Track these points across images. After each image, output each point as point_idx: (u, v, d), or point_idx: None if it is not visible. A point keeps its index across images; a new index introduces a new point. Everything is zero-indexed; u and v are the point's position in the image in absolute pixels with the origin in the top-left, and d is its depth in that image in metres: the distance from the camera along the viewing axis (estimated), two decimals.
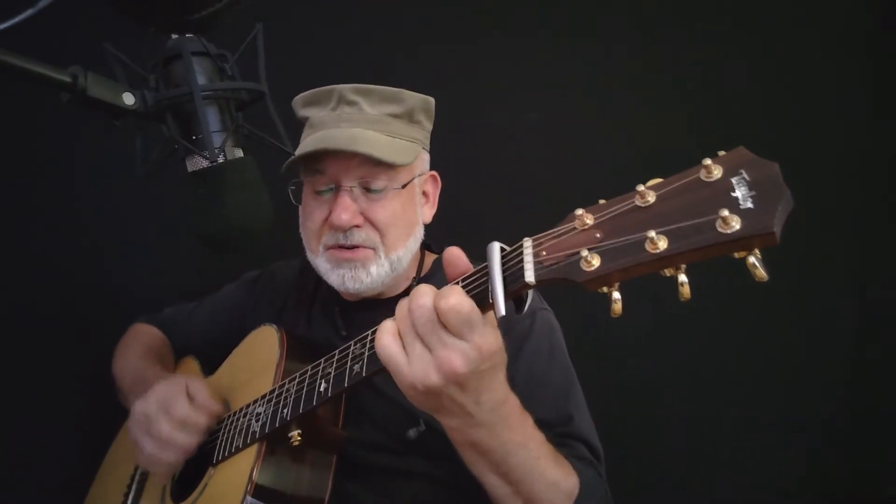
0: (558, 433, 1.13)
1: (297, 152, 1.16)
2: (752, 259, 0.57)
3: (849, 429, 1.86)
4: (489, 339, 0.74)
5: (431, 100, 1.29)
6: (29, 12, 0.65)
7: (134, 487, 1.38)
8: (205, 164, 0.82)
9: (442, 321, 0.73)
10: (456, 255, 0.81)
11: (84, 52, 0.82)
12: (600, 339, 1.86)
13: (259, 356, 1.26)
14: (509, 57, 1.92)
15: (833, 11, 1.81)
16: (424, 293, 0.75)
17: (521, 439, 0.88)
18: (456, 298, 0.72)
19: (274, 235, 0.92)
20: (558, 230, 0.69)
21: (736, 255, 0.58)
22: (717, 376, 1.88)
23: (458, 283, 0.78)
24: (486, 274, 0.73)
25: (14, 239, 1.83)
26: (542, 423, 0.95)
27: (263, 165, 0.92)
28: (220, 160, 0.82)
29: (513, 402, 0.86)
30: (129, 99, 0.77)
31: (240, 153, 0.85)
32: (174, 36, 0.82)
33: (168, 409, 1.15)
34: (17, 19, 0.65)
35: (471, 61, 1.92)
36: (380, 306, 1.27)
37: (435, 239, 1.39)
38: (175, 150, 0.83)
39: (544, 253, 0.69)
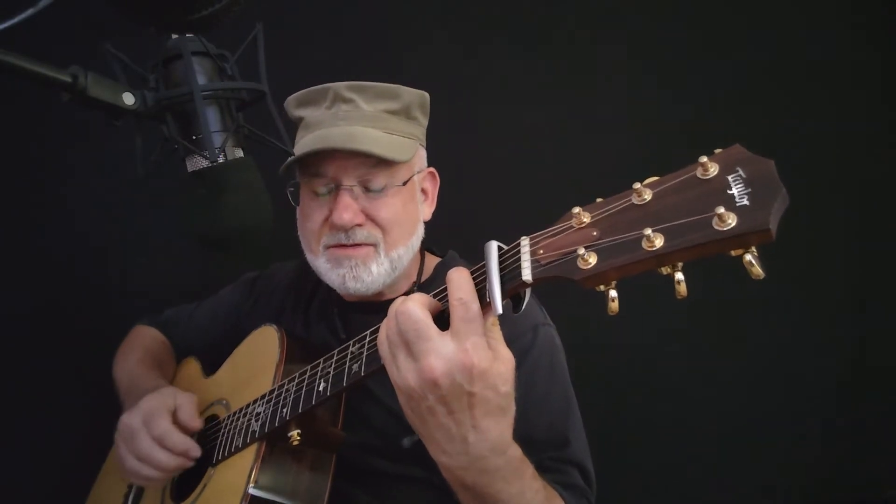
0: (553, 457, 1.11)
1: (296, 153, 1.15)
2: (748, 257, 0.56)
3: (847, 430, 1.86)
4: (481, 352, 0.71)
5: (426, 95, 1.27)
6: (29, 12, 0.65)
7: (134, 489, 1.38)
8: (205, 164, 0.81)
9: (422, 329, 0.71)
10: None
11: (84, 52, 0.82)
12: (599, 342, 1.85)
13: (259, 356, 1.26)
14: (509, 55, 1.92)
15: (833, 10, 1.81)
16: (415, 298, 0.74)
17: (516, 490, 0.84)
18: (464, 294, 0.71)
19: (274, 235, 0.92)
20: (555, 228, 0.69)
21: (732, 252, 0.57)
22: (715, 379, 1.88)
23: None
24: (483, 273, 0.73)
25: (14, 239, 1.83)
26: (537, 444, 0.93)
27: (263, 165, 0.92)
28: (221, 160, 0.82)
29: (513, 453, 0.81)
30: (129, 99, 0.76)
31: (240, 153, 0.85)
32: (174, 36, 0.81)
33: (149, 424, 1.13)
34: (17, 19, 0.65)
35: (470, 61, 1.92)
36: (379, 309, 1.25)
37: (435, 239, 1.38)
38: (175, 150, 0.83)
39: (541, 251, 0.68)
